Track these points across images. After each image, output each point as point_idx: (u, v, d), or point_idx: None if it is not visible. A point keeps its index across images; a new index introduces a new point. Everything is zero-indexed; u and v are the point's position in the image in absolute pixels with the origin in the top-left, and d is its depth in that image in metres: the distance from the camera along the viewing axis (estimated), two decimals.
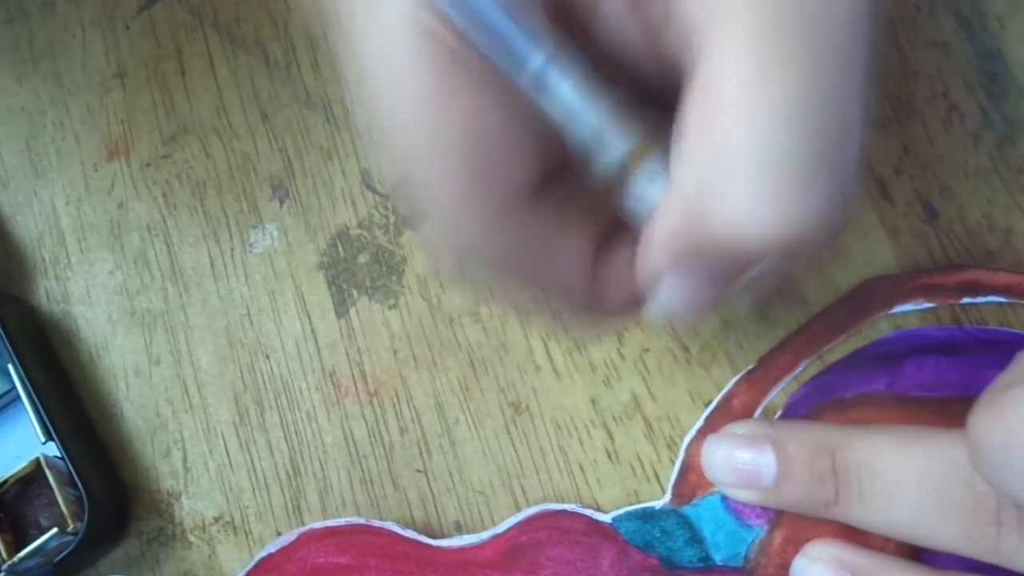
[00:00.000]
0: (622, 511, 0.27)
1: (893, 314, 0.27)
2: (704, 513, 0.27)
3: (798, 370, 0.27)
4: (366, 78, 0.18)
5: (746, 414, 0.27)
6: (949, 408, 0.25)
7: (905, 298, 0.27)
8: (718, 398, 0.28)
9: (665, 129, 0.18)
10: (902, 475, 0.22)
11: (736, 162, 0.17)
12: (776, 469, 0.24)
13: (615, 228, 0.21)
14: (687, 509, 0.27)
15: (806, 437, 0.24)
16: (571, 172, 0.20)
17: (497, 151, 0.18)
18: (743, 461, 0.25)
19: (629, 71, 0.20)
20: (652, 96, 0.19)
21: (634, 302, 0.22)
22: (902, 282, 0.27)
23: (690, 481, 0.27)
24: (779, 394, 0.27)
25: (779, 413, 0.27)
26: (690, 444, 0.27)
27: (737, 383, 0.27)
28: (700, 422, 0.27)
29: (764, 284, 0.22)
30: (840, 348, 0.27)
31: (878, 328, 0.27)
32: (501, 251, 0.19)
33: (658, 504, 0.27)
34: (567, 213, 0.20)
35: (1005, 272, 0.26)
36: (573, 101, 0.18)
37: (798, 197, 0.17)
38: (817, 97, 0.16)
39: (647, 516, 0.27)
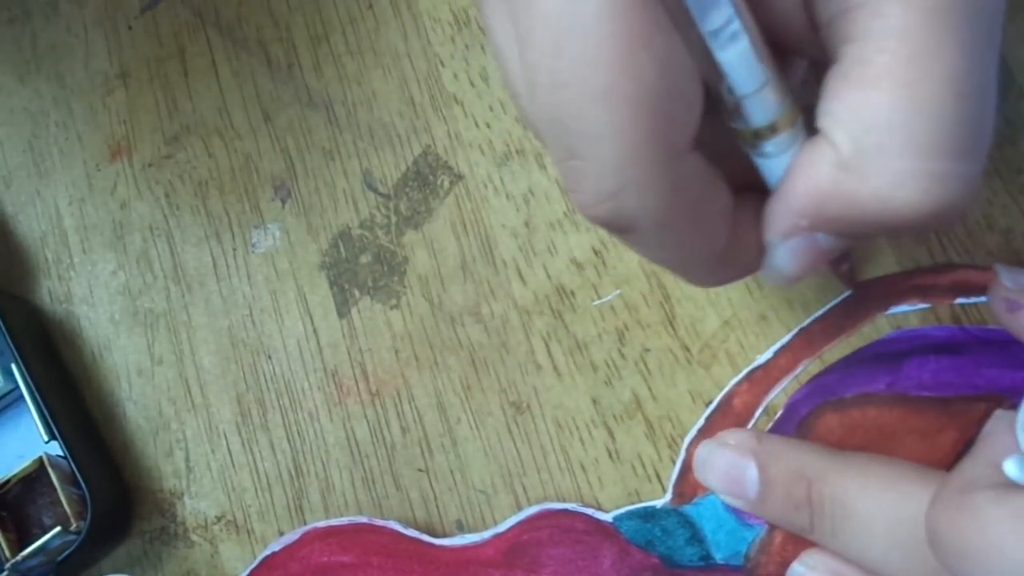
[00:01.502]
0: (623, 510, 0.28)
1: (893, 314, 0.27)
2: (705, 512, 0.27)
3: (798, 370, 0.27)
4: (539, 18, 0.17)
5: (747, 414, 0.27)
6: (949, 407, 0.25)
7: (901, 298, 0.27)
8: (719, 398, 0.28)
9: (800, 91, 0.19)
10: (872, 521, 0.22)
11: (898, 134, 0.17)
12: (758, 486, 0.24)
13: (737, 189, 0.21)
14: (688, 508, 0.27)
15: (788, 460, 0.24)
16: (710, 128, 0.20)
17: (678, 99, 0.18)
18: (730, 472, 0.25)
19: (769, 30, 0.20)
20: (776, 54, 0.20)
21: (752, 261, 0.22)
22: (897, 282, 0.27)
23: (691, 480, 0.27)
24: (779, 394, 0.27)
25: (780, 413, 0.27)
26: (691, 444, 0.27)
27: (738, 383, 0.28)
28: (701, 422, 0.27)
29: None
30: (840, 348, 0.27)
31: (879, 328, 0.27)
32: (662, 201, 0.19)
33: (659, 503, 0.27)
34: (711, 167, 0.20)
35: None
36: (745, 58, 0.18)
37: (953, 170, 0.17)
38: (974, 72, 0.17)
39: (648, 515, 0.27)
